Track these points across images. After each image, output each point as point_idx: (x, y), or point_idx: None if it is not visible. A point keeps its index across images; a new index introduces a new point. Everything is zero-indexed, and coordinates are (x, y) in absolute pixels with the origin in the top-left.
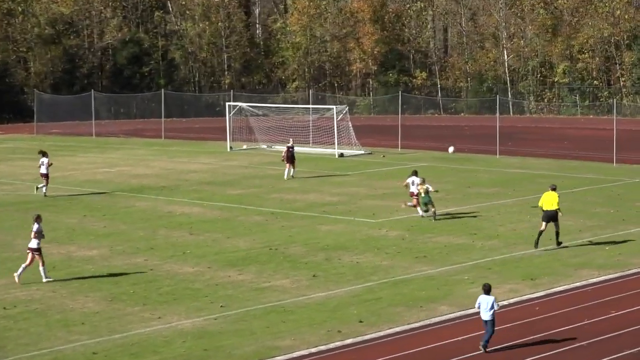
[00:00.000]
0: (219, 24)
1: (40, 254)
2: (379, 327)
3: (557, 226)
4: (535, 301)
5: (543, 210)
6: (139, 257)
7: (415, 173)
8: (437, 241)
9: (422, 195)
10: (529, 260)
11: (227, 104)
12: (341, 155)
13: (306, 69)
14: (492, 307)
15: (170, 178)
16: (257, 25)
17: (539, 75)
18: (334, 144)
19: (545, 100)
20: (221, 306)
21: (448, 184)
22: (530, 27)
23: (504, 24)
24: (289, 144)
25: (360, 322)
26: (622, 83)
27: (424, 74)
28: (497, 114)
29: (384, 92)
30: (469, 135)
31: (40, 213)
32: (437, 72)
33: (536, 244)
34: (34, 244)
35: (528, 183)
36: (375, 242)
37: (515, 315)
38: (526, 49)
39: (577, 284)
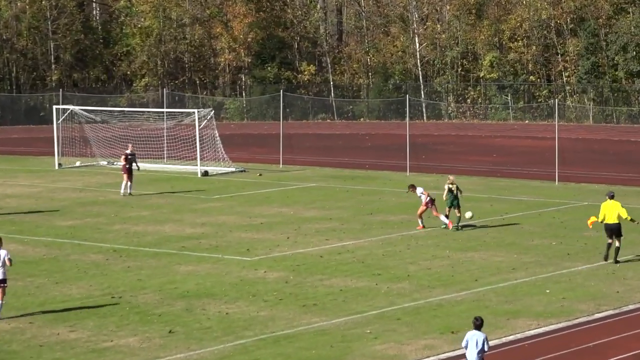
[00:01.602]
0: (43, 2)
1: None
2: None
3: (619, 241)
4: None
5: (605, 224)
6: None
7: (412, 187)
8: (331, 284)
9: (450, 193)
10: (449, 308)
11: (54, 107)
12: (205, 173)
13: (159, 62)
14: (482, 347)
15: None
16: (94, 5)
17: (460, 69)
18: (195, 159)
19: (469, 101)
20: None
21: (344, 210)
22: (448, 7)
23: (414, 3)
24: (128, 151)
25: None
26: (565, 79)
27: (312, 68)
28: (407, 119)
29: (261, 92)
30: (370, 147)
31: None
32: (330, 66)
33: (605, 258)
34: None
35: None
36: (250, 286)
37: None
38: (443, 36)
39: (511, 338)
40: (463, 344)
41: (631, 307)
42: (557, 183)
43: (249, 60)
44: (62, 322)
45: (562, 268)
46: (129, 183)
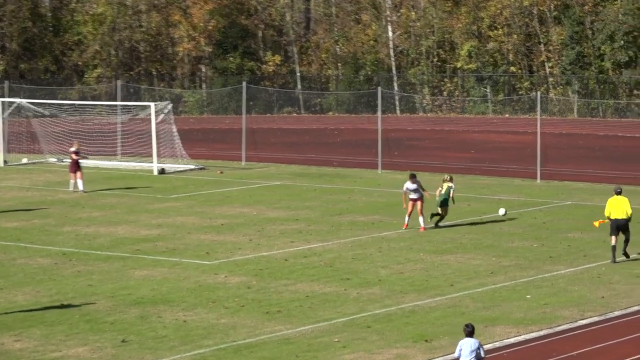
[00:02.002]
0: None
1: None
2: None
3: (627, 235)
4: None
5: (610, 220)
6: None
7: (413, 176)
8: (297, 290)
9: (442, 193)
10: (423, 315)
11: None
12: (162, 171)
13: (113, 52)
14: (477, 353)
15: None
16: None
17: (435, 60)
18: (151, 155)
19: (445, 93)
20: None
21: (311, 210)
22: None
23: None
24: (74, 149)
25: None
26: (548, 70)
27: (277, 58)
28: (379, 113)
29: (222, 84)
30: (340, 143)
31: None
32: (296, 56)
33: (613, 260)
34: None
35: None
36: (209, 292)
37: None
38: (418, 24)
39: (489, 346)
40: (456, 354)
41: (617, 313)
42: (539, 181)
43: (210, 49)
44: (7, 331)
45: (543, 272)
46: (79, 181)
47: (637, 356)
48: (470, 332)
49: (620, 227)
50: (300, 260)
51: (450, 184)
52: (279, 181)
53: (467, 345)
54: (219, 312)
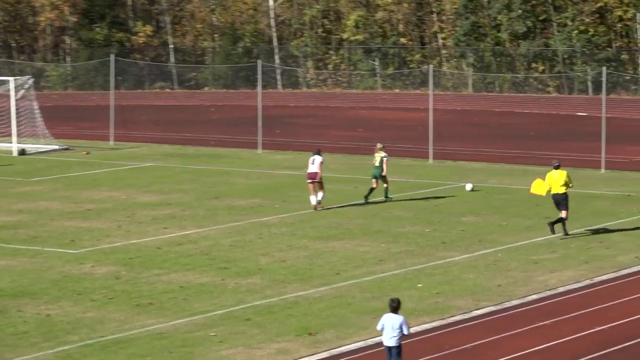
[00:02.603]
0: None
1: None
2: None
3: (565, 214)
4: None
5: (552, 195)
6: None
7: (318, 152)
8: (170, 280)
9: (376, 165)
10: (307, 306)
11: None
12: (22, 152)
13: None
14: (400, 330)
15: None
16: None
17: (320, 31)
18: (10, 135)
19: (330, 67)
20: None
21: (185, 193)
22: None
23: None
24: None
25: None
26: (441, 42)
27: (148, 29)
28: (259, 88)
29: (88, 57)
30: (217, 120)
31: None
32: (169, 26)
33: (552, 230)
34: None
35: (303, 190)
36: (75, 283)
37: None
38: None
39: (377, 339)
40: (378, 327)
41: (514, 302)
42: (431, 161)
43: (75, 19)
44: None
45: (436, 259)
46: None
47: (537, 347)
48: (395, 308)
49: (558, 201)
50: (174, 248)
51: (383, 154)
52: (150, 162)
53: (389, 322)
54: (85, 305)
